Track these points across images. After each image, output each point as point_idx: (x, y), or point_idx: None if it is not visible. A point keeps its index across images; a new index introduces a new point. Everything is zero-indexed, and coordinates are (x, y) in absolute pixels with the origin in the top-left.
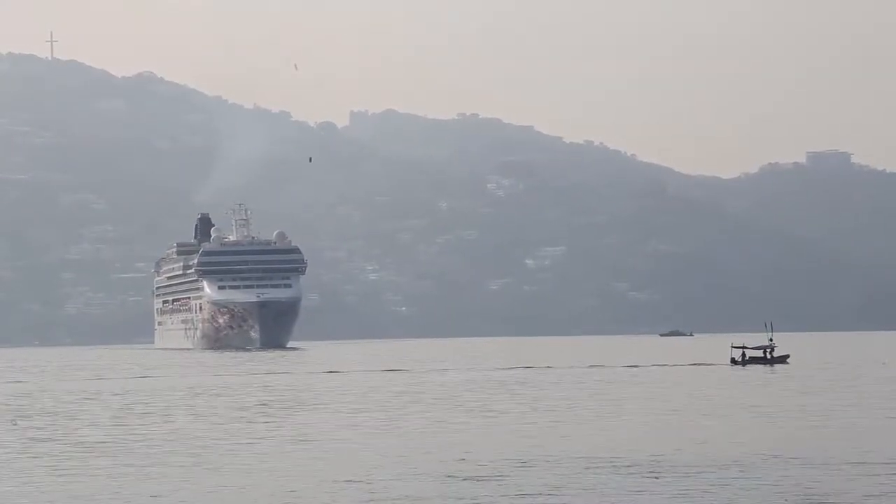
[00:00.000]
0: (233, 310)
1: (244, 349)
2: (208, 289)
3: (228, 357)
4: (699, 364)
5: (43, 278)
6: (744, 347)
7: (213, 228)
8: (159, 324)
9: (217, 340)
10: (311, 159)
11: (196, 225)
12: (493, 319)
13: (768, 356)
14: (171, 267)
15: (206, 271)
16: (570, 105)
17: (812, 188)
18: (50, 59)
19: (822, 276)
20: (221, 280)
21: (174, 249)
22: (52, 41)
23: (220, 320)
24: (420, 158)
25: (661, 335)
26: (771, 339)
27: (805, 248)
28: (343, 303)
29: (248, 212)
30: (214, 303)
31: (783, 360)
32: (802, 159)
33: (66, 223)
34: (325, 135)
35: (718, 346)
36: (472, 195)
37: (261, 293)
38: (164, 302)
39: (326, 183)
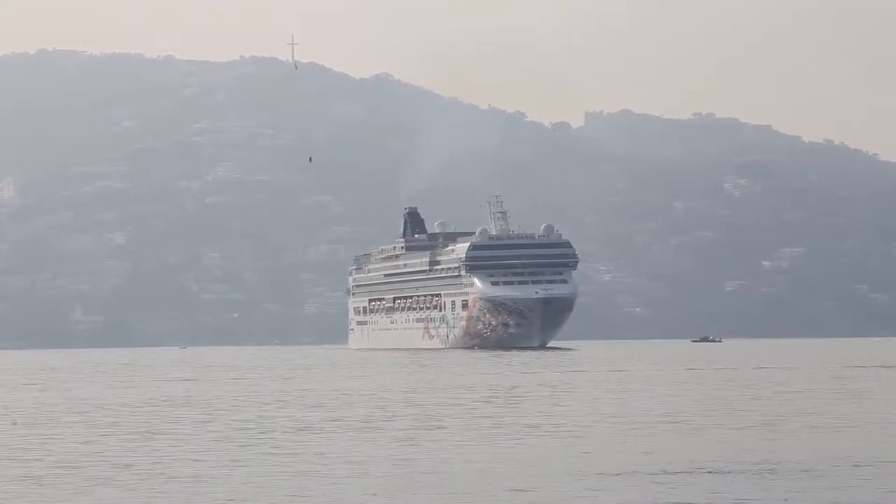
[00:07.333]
0: (510, 307)
1: (524, 348)
2: (480, 284)
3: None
4: None
5: (283, 279)
6: None
7: (437, 223)
8: (359, 323)
9: (485, 338)
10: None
11: (405, 220)
12: (727, 320)
13: None
14: (398, 263)
15: (476, 266)
16: (810, 103)
17: None
18: (291, 62)
19: None
20: (492, 275)
21: (401, 244)
22: (293, 44)
23: (495, 318)
24: (655, 159)
25: (693, 342)
26: None
27: None
28: (577, 303)
29: (504, 204)
30: (489, 299)
31: None
32: None
33: (305, 224)
34: (559, 135)
35: None
36: (707, 196)
37: (543, 289)
38: (374, 301)
39: (559, 183)
